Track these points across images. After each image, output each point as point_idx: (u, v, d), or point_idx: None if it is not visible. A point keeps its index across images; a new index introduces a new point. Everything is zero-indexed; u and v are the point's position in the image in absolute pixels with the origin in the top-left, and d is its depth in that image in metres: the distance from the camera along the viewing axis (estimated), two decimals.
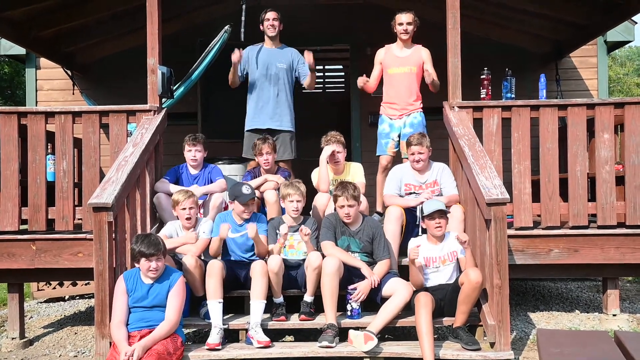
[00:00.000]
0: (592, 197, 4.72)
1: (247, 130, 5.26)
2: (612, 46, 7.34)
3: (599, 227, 4.52)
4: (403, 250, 4.32)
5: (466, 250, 3.95)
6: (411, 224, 4.45)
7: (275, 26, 5.21)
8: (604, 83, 7.19)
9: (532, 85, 5.83)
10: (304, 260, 4.20)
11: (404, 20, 4.96)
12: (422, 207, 4.25)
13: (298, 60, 5.28)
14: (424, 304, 3.76)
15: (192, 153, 4.77)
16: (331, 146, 4.65)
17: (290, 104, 5.27)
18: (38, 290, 6.22)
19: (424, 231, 4.21)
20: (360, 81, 5.02)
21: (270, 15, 5.21)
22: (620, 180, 4.64)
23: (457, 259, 4.08)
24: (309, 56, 5.06)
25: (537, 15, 6.22)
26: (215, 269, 3.99)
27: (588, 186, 4.64)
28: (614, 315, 4.64)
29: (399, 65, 5.02)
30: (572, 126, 4.58)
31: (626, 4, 5.19)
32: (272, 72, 5.19)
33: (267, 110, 5.18)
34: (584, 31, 6.23)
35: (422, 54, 5.02)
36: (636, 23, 6.94)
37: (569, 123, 4.59)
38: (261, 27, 5.25)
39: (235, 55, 5.08)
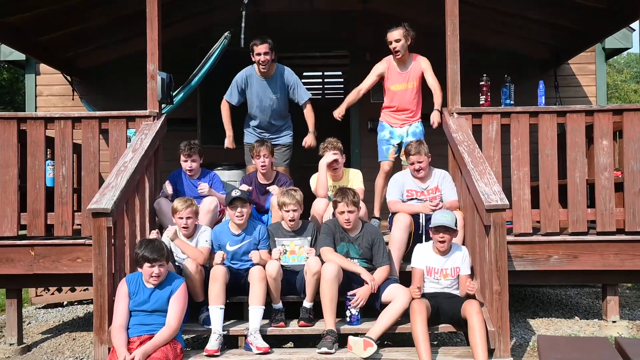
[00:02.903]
0: (591, 204, 4.73)
1: (246, 142, 5.29)
2: (610, 53, 7.37)
3: (598, 234, 4.53)
4: (407, 257, 4.30)
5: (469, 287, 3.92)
6: (415, 231, 4.42)
7: (267, 61, 4.96)
8: (603, 89, 7.21)
9: (531, 92, 5.84)
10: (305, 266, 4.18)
11: (392, 39, 4.89)
12: (424, 215, 4.31)
13: (292, 85, 5.18)
14: (419, 311, 3.73)
15: (188, 164, 4.77)
16: (332, 154, 4.64)
17: (287, 121, 5.34)
18: (36, 296, 6.21)
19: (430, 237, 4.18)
20: (337, 113, 5.14)
21: (261, 49, 4.91)
22: (619, 187, 4.65)
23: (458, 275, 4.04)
24: (309, 139, 5.16)
25: (535, 22, 6.25)
26: (219, 274, 3.98)
27: (587, 192, 4.64)
28: (614, 321, 4.64)
29: (401, 82, 5.02)
30: (571, 133, 4.59)
31: (623, 12, 5.21)
32: (265, 104, 5.18)
33: (265, 132, 5.27)
34: (582, 38, 6.26)
35: (422, 64, 4.99)
36: (634, 30, 6.96)
37: (567, 129, 4.61)
38: (252, 58, 5.05)
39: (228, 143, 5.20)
